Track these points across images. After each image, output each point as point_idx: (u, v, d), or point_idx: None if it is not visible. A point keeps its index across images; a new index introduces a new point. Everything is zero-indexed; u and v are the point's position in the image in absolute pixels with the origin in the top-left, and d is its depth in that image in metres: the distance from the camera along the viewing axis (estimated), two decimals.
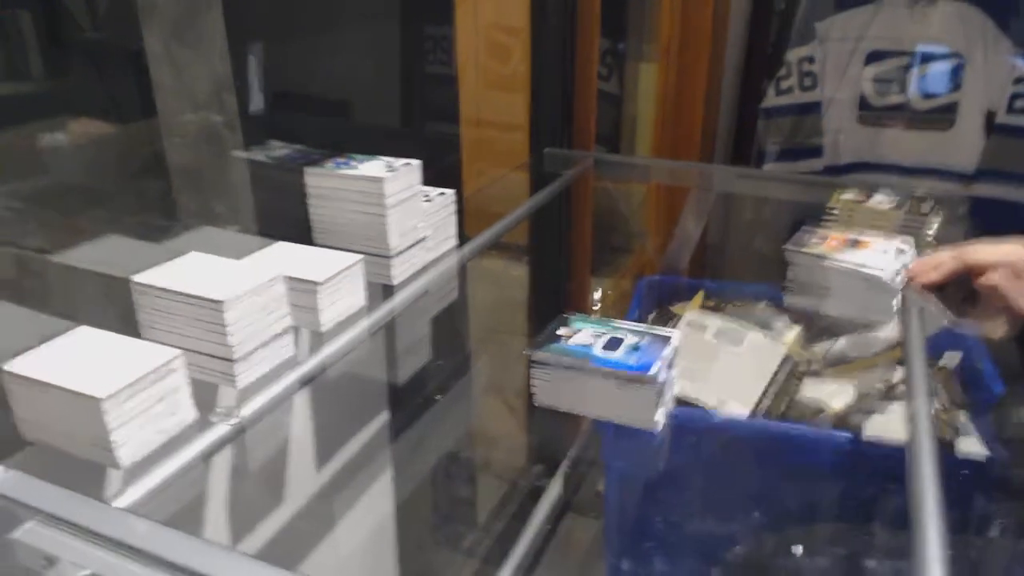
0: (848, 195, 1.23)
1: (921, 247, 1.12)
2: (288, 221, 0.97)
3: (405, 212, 0.93)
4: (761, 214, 2.20)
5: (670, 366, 0.81)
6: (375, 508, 1.21)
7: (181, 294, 0.71)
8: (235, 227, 0.97)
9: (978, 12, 1.88)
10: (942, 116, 1.97)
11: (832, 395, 1.07)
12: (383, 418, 1.19)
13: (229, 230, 0.97)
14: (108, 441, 0.60)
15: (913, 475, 0.74)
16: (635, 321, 1.23)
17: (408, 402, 1.21)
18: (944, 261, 0.95)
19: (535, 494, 1.53)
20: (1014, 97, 1.87)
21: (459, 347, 1.33)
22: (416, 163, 0.94)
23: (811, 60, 2.05)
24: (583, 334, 0.83)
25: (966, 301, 0.93)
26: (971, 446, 1.01)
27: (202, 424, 0.68)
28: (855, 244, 1.12)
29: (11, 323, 0.79)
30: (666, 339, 0.81)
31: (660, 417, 0.78)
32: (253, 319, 0.72)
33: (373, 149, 0.97)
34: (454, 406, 1.33)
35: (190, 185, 0.94)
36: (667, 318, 1.21)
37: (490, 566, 1.50)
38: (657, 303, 1.27)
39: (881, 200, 1.21)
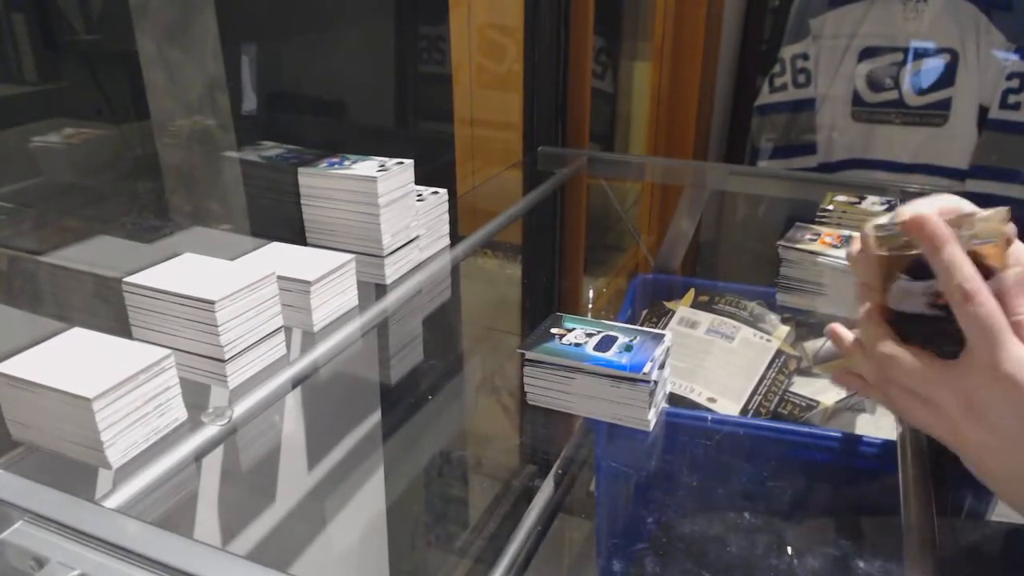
0: (841, 197, 1.24)
1: None
2: (281, 221, 0.97)
3: (398, 211, 0.93)
4: (755, 212, 2.21)
5: (662, 366, 0.81)
6: (367, 508, 1.21)
7: (173, 294, 0.71)
8: (228, 227, 0.97)
9: (970, 7, 1.88)
10: (935, 112, 1.97)
11: (823, 392, 1.07)
12: (375, 418, 1.19)
13: (222, 230, 0.97)
14: (98, 441, 0.61)
15: (904, 472, 0.74)
16: (628, 319, 1.24)
17: (400, 402, 1.22)
18: None
19: (527, 494, 1.54)
20: (1007, 92, 1.87)
21: (452, 346, 1.33)
22: (409, 162, 0.94)
23: (805, 57, 2.05)
24: (576, 333, 0.83)
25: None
26: None
27: (193, 424, 0.68)
28: (848, 241, 1.12)
29: (2, 325, 0.79)
30: (658, 339, 0.81)
31: (652, 416, 0.78)
32: (245, 319, 0.73)
33: (366, 149, 0.97)
34: (446, 406, 1.33)
35: (183, 186, 0.94)
36: (661, 313, 1.21)
37: (482, 565, 1.50)
38: (651, 301, 1.27)
39: (874, 202, 1.22)
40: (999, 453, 0.53)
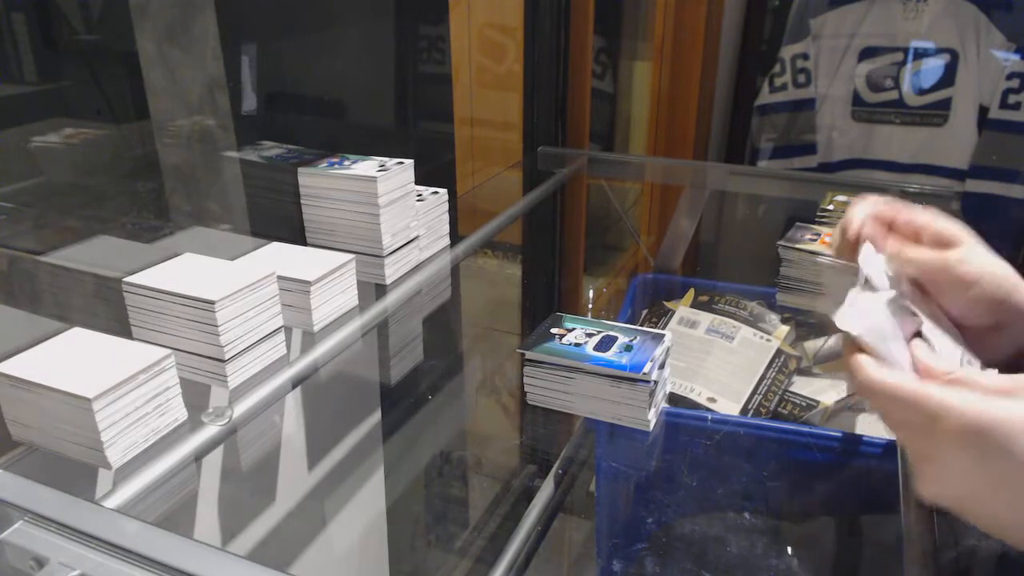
0: (841, 197, 1.24)
1: None
2: (281, 221, 0.97)
3: (398, 211, 0.93)
4: (755, 212, 2.21)
5: (662, 366, 0.81)
6: (367, 508, 1.21)
7: (173, 294, 0.71)
8: (228, 227, 0.97)
9: (970, 7, 1.88)
10: (935, 112, 1.97)
11: (823, 392, 1.07)
12: (375, 418, 1.19)
13: (222, 230, 0.97)
14: (98, 441, 0.61)
15: (904, 472, 0.74)
16: (628, 319, 1.24)
17: (400, 402, 1.22)
18: None
19: (527, 494, 1.54)
20: (1007, 92, 1.87)
21: (452, 346, 1.33)
22: (409, 162, 0.94)
23: (805, 57, 2.05)
24: (576, 333, 0.83)
25: None
26: None
27: (193, 424, 0.68)
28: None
29: (2, 325, 0.79)
30: (658, 339, 0.81)
31: (652, 416, 0.78)
32: (245, 319, 0.73)
33: (366, 149, 0.97)
34: (446, 406, 1.33)
35: (183, 186, 0.94)
36: (661, 313, 1.21)
37: (482, 565, 1.50)
38: (651, 301, 1.27)
39: None
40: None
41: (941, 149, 1.99)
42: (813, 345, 1.13)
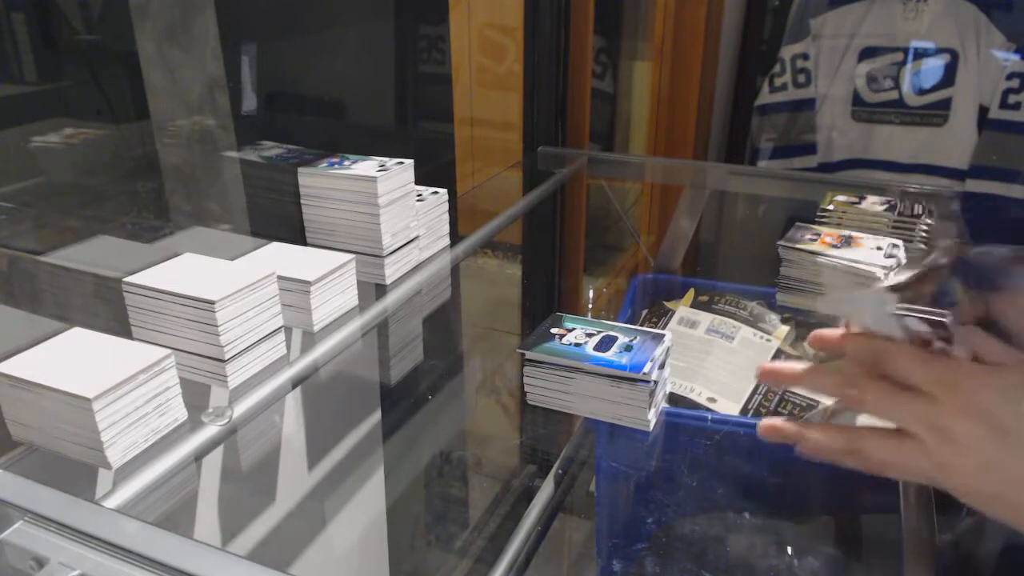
0: (841, 197, 1.24)
1: (913, 247, 1.13)
2: (281, 221, 0.97)
3: (398, 211, 0.93)
4: (755, 212, 2.21)
5: (662, 366, 0.81)
6: (367, 508, 1.21)
7: (173, 294, 0.71)
8: (228, 227, 0.97)
9: (970, 7, 1.88)
10: (935, 112, 1.97)
11: None
12: (375, 418, 1.19)
13: (222, 230, 0.97)
14: (98, 441, 0.61)
15: None
16: (628, 319, 1.24)
17: (400, 402, 1.22)
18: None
19: (527, 494, 1.54)
20: (1007, 92, 1.87)
21: (452, 346, 1.33)
22: (409, 162, 0.94)
23: (805, 57, 2.05)
24: (576, 333, 0.83)
25: None
26: None
27: (193, 424, 0.68)
28: (848, 241, 1.13)
29: (2, 325, 0.79)
30: (658, 339, 0.81)
31: (652, 416, 0.78)
32: (245, 319, 0.73)
33: (366, 149, 0.97)
34: (446, 406, 1.33)
35: (183, 186, 0.94)
36: (661, 313, 1.21)
37: (482, 565, 1.50)
38: (651, 301, 1.27)
39: (873, 202, 1.22)
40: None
41: (941, 149, 1.99)
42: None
